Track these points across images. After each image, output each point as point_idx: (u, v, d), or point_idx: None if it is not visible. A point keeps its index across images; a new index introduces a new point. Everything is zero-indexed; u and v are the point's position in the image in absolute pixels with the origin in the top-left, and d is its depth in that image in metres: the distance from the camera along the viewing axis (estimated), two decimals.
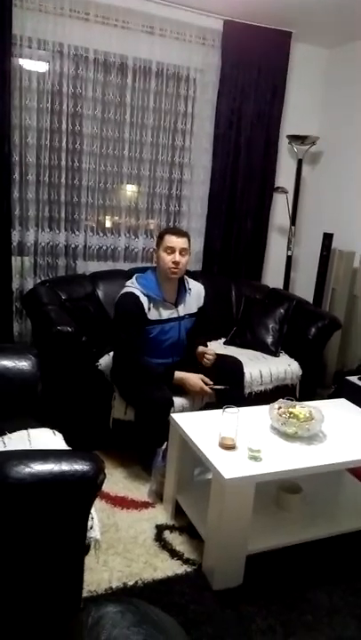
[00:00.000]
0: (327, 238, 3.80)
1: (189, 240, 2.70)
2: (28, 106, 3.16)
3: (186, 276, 2.81)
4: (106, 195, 3.55)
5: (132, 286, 2.67)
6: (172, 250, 2.62)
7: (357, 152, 3.74)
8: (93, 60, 3.28)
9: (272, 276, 4.09)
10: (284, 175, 3.94)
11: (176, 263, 2.62)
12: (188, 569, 2.04)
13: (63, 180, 3.34)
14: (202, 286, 2.93)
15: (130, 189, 3.65)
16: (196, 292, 2.86)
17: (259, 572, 2.03)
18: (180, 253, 2.63)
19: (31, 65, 3.14)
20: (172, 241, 2.62)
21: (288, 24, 3.55)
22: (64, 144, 3.29)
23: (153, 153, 3.57)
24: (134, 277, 2.73)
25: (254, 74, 3.61)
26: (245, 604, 1.90)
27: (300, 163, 3.91)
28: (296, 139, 3.81)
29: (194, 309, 2.85)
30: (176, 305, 2.76)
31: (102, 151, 3.46)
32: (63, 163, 3.32)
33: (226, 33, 3.48)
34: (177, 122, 3.60)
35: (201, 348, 2.79)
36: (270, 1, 3.11)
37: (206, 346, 2.87)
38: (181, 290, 2.79)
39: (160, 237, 2.69)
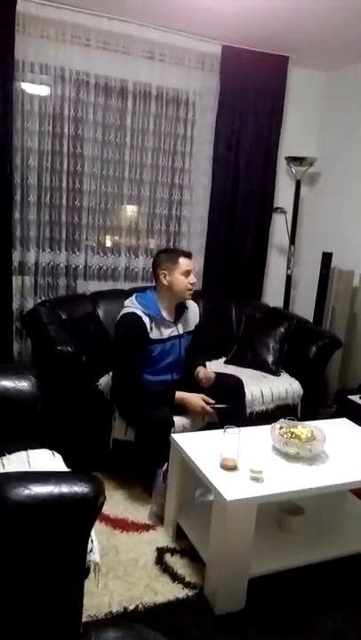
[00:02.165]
0: (326, 257, 3.82)
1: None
2: (29, 129, 3.21)
3: None
4: (106, 215, 3.58)
5: (133, 306, 2.68)
6: (188, 273, 2.69)
7: (355, 172, 3.79)
8: (94, 85, 3.34)
9: (272, 296, 4.11)
10: (283, 196, 3.98)
11: (193, 285, 2.72)
12: (190, 593, 2.01)
13: (64, 201, 3.37)
14: (196, 305, 2.95)
15: (130, 210, 3.68)
16: (192, 310, 2.88)
17: (261, 596, 2.00)
18: (195, 276, 2.75)
19: (33, 89, 3.20)
20: (188, 264, 2.71)
21: (285, 49, 3.62)
22: (65, 166, 3.34)
23: (153, 174, 3.62)
24: (133, 297, 2.74)
25: (252, 97, 3.68)
26: (248, 628, 1.86)
27: (298, 183, 3.95)
28: (294, 160, 3.86)
29: (192, 327, 2.87)
30: (176, 323, 2.77)
31: (103, 173, 3.50)
32: (64, 184, 3.36)
33: (224, 58, 3.55)
34: (177, 144, 3.65)
35: (199, 370, 2.79)
36: (267, 26, 3.18)
37: (205, 366, 2.87)
38: (180, 308, 2.80)
39: (173, 261, 2.68)
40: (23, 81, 3.14)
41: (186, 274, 2.69)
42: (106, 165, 3.50)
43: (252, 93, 3.67)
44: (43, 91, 3.24)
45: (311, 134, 4.06)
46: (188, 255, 2.75)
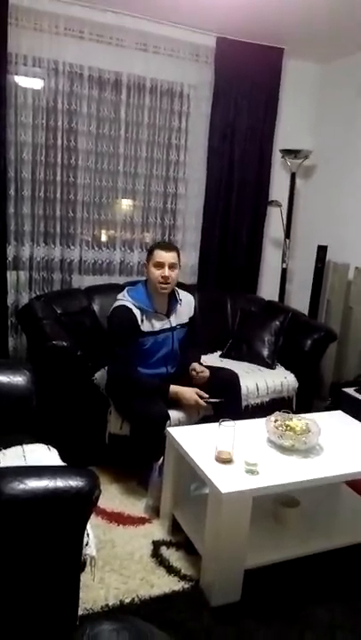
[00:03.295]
0: (321, 250, 3.82)
1: (179, 254, 2.72)
2: (23, 122, 3.18)
3: (176, 288, 2.82)
4: (101, 209, 3.56)
5: (124, 299, 2.67)
6: (161, 265, 2.63)
7: (350, 165, 3.78)
8: (88, 77, 3.31)
9: (267, 289, 4.11)
10: (278, 188, 3.97)
11: (165, 278, 2.63)
12: (186, 585, 2.02)
13: (58, 195, 3.36)
14: (192, 297, 2.94)
15: (125, 204, 3.67)
16: (186, 302, 2.87)
17: (257, 588, 2.01)
18: (170, 268, 2.64)
19: (26, 82, 3.17)
20: (162, 256, 2.63)
21: (280, 40, 3.60)
22: (59, 159, 3.32)
23: (148, 168, 3.60)
24: (125, 290, 2.74)
25: (247, 89, 3.66)
26: (244, 620, 1.88)
27: (293, 176, 3.94)
28: (289, 153, 3.85)
29: (185, 319, 2.86)
30: (168, 316, 2.76)
31: (97, 166, 3.48)
32: (58, 178, 3.34)
33: (219, 50, 3.53)
34: (171, 137, 3.63)
35: (194, 367, 2.79)
36: (262, 18, 3.16)
37: (200, 361, 2.87)
38: (172, 301, 2.80)
39: (149, 252, 2.70)
40: (16, 74, 3.12)
41: (157, 265, 2.63)
42: (100, 159, 3.48)
43: (247, 85, 3.65)
44: (36, 84, 3.21)
45: (306, 127, 4.05)
46: (166, 248, 2.68)
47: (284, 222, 3.98)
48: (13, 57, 3.07)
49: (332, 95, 3.95)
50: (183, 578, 2.06)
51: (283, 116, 3.88)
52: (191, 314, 2.90)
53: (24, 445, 1.97)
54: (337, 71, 3.90)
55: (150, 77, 3.46)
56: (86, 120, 3.36)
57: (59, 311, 3.02)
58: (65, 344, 2.66)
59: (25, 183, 3.24)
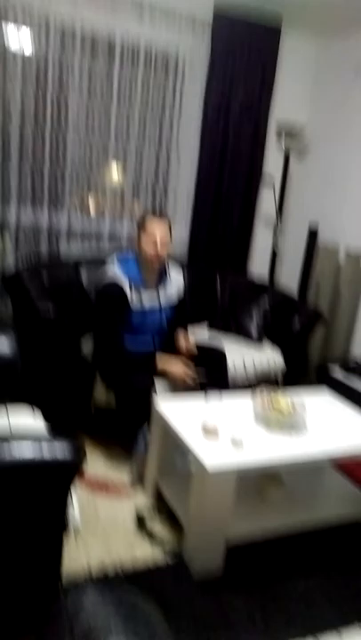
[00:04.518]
0: (313, 232, 3.79)
1: (171, 226, 2.67)
2: (10, 73, 3.06)
3: (168, 262, 2.78)
4: (91, 177, 3.48)
5: (114, 269, 2.63)
6: (153, 237, 2.57)
7: (345, 145, 3.73)
8: (80, 37, 3.18)
9: (257, 268, 4.08)
10: (272, 166, 3.91)
11: (157, 250, 2.58)
12: (168, 555, 2.03)
13: (47, 154, 3.26)
14: (182, 278, 2.89)
15: (116, 175, 3.59)
16: (176, 282, 2.83)
17: (239, 562, 2.03)
18: (162, 240, 2.58)
19: (16, 36, 3.04)
20: (154, 227, 2.58)
21: (278, 15, 3.50)
22: (48, 119, 3.22)
23: (140, 138, 3.51)
24: (115, 259, 2.68)
25: (243, 62, 3.56)
26: (224, 592, 1.90)
27: (287, 154, 3.89)
28: (284, 130, 3.79)
29: (174, 297, 2.82)
30: (157, 291, 2.73)
31: (88, 131, 3.38)
32: (47, 149, 3.24)
33: (216, 21, 3.42)
34: (165, 107, 3.53)
35: (181, 337, 2.77)
36: None
37: (187, 336, 2.86)
38: (162, 275, 2.76)
39: (141, 223, 2.64)
40: (6, 24, 2.98)
41: (150, 237, 2.56)
42: (91, 130, 3.38)
43: (244, 58, 3.55)
44: (26, 37, 3.08)
45: (302, 106, 3.98)
46: (159, 219, 2.61)
47: (277, 201, 3.94)
48: (2, 11, 2.94)
49: (328, 74, 3.88)
50: (166, 548, 2.06)
51: (279, 92, 3.80)
52: (181, 295, 2.86)
53: (8, 407, 1.94)
54: (334, 51, 3.82)
55: (145, 45, 3.35)
56: (77, 86, 3.25)
57: (46, 281, 2.96)
58: (52, 315, 2.62)
59: (13, 151, 3.15)
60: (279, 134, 3.81)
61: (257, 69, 3.62)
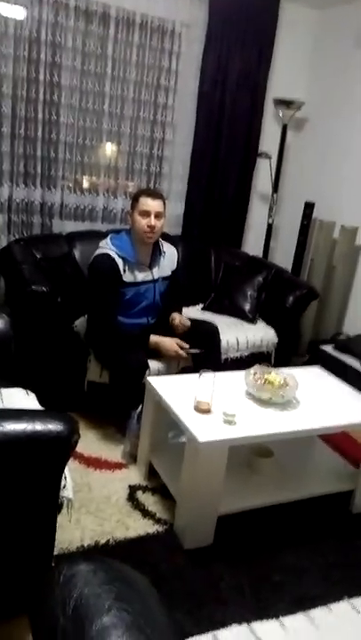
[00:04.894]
0: (308, 207, 3.77)
1: (164, 202, 2.64)
2: (3, 53, 2.99)
3: (161, 239, 2.76)
4: (84, 152, 3.41)
5: (107, 247, 2.61)
6: (147, 213, 2.55)
7: (343, 120, 3.68)
8: (74, 8, 3.10)
9: (252, 244, 4.06)
10: (269, 140, 3.86)
11: (151, 227, 2.56)
12: (160, 528, 2.07)
13: (40, 133, 3.20)
14: (175, 250, 2.88)
15: (109, 148, 3.53)
16: (169, 256, 2.82)
17: (229, 534, 2.07)
18: (156, 217, 2.56)
19: (8, 10, 2.96)
20: (148, 204, 2.55)
21: None
22: (41, 95, 3.14)
23: (134, 110, 3.44)
24: (108, 238, 2.67)
25: (242, 32, 3.49)
26: (215, 563, 1.94)
27: (284, 128, 3.83)
28: (282, 103, 3.72)
29: (168, 273, 2.81)
30: (151, 267, 2.71)
31: (81, 105, 3.31)
32: (40, 115, 3.17)
33: None
34: (160, 78, 3.47)
35: (175, 317, 2.77)
36: None
37: (181, 312, 2.85)
38: (156, 252, 2.74)
39: (135, 199, 2.61)
40: None
41: (144, 214, 2.55)
42: (85, 96, 3.30)
43: (242, 28, 3.48)
44: (18, 12, 3.00)
45: (301, 77, 3.91)
46: (152, 195, 2.59)
47: (273, 176, 3.90)
48: None
49: (328, 45, 3.80)
50: (158, 521, 2.11)
51: (277, 64, 3.73)
52: (174, 267, 2.85)
53: (1, 389, 1.95)
54: (334, 19, 3.74)
55: (141, 12, 3.26)
56: (71, 54, 3.17)
57: (38, 256, 2.94)
58: (45, 289, 2.60)
59: (4, 119, 3.08)
60: (277, 105, 3.74)
61: (256, 35, 3.54)
